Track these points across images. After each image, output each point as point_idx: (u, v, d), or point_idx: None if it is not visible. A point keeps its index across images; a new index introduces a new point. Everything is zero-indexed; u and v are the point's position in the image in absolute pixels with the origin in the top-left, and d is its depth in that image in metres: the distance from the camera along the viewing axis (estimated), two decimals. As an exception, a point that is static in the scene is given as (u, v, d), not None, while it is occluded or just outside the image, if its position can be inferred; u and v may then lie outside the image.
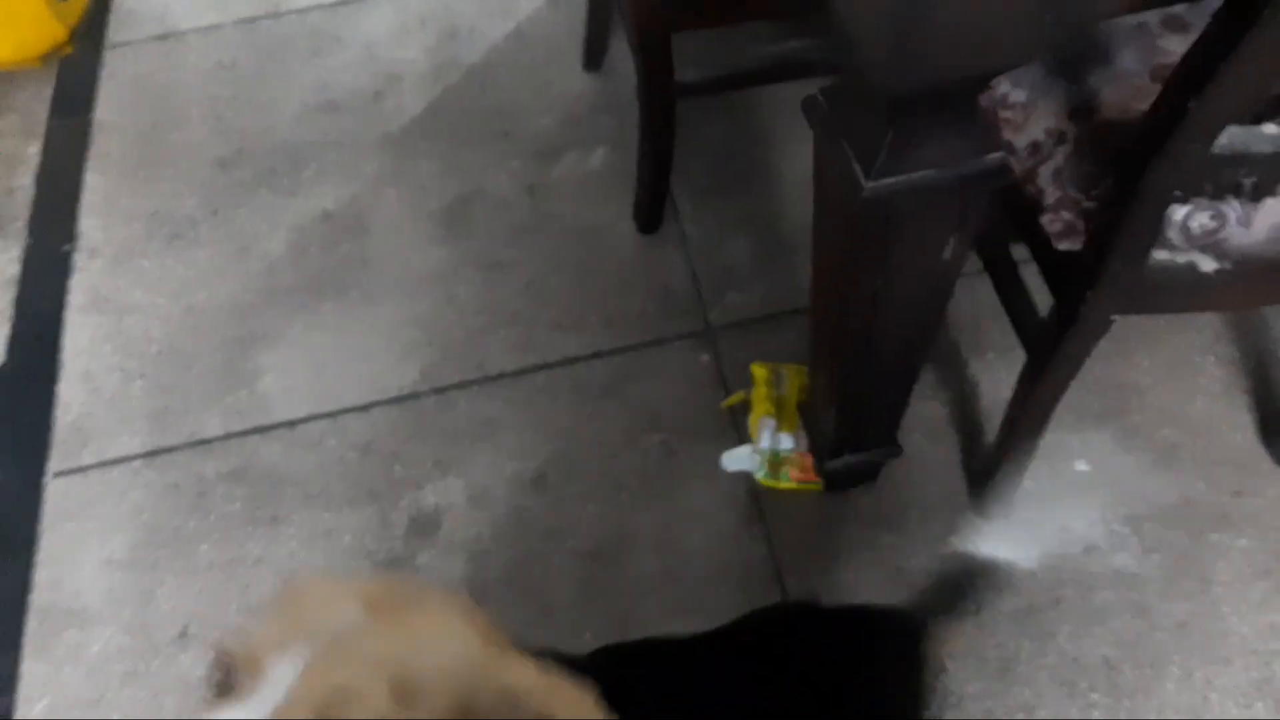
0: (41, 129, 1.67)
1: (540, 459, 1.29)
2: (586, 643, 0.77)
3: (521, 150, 1.60)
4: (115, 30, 1.80)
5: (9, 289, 1.49)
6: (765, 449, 1.26)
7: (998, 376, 1.30)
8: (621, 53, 1.68)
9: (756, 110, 1.60)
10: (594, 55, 1.68)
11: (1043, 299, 1.00)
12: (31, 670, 1.18)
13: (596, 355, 1.38)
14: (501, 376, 1.37)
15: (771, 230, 1.48)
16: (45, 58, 1.74)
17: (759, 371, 1.31)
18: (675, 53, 1.25)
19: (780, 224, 1.49)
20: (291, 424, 1.33)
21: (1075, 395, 1.08)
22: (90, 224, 1.55)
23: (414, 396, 1.35)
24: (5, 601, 1.23)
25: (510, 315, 1.42)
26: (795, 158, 1.54)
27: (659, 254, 1.47)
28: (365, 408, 1.34)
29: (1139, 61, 0.96)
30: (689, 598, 1.18)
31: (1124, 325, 0.95)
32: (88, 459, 1.32)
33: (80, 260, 1.51)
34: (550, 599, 1.19)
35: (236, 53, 1.75)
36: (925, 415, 1.29)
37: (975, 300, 1.15)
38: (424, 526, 1.25)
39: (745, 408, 1.30)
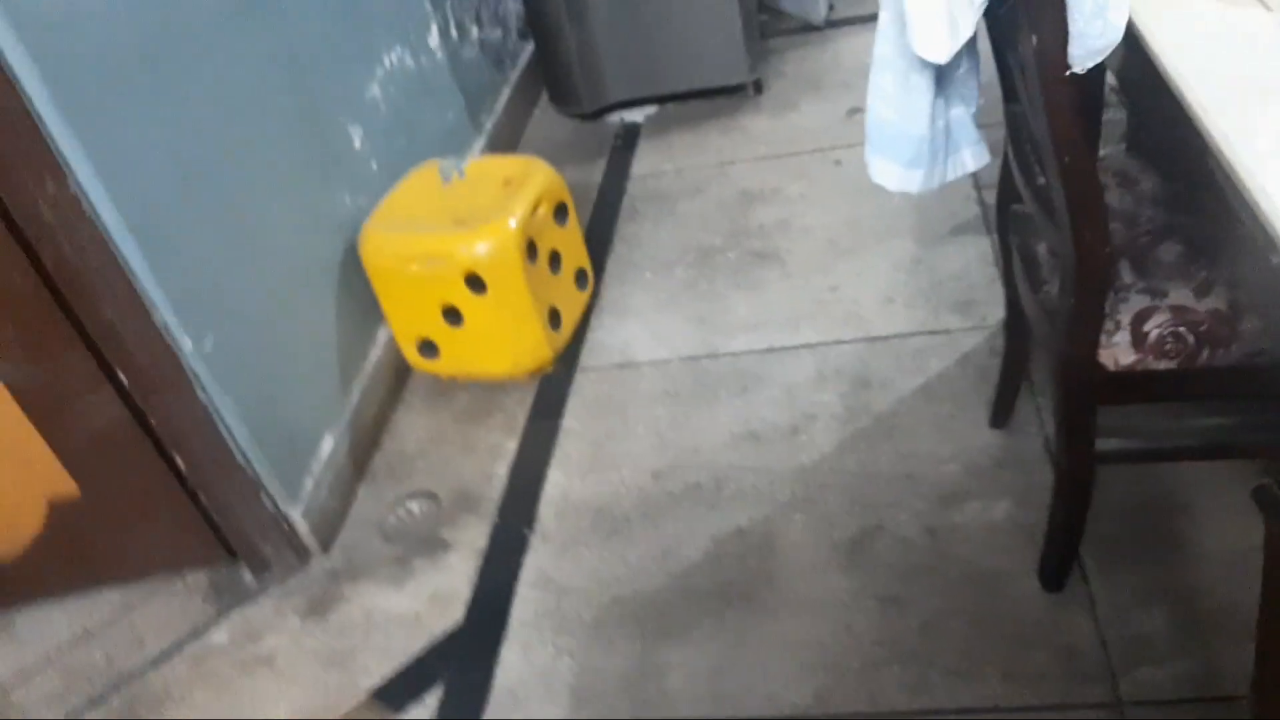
0: (520, 429, 2.06)
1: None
2: None
3: (924, 494, 1.69)
4: (587, 356, 2.20)
5: (477, 559, 1.80)
6: None
7: None
8: (1028, 412, 1.76)
9: (1175, 475, 1.59)
10: (1001, 414, 1.78)
11: None
12: None
13: (995, 710, 1.36)
14: (893, 715, 1.39)
15: (1191, 605, 1.42)
16: (533, 374, 2.16)
17: (1181, 760, 1.22)
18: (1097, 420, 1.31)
19: (1201, 600, 1.42)
20: (690, 723, 1.44)
21: None
22: (547, 512, 1.85)
23: (806, 719, 1.41)
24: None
25: (905, 653, 1.46)
26: (1218, 531, 1.49)
27: (1063, 614, 1.45)
28: (759, 720, 1.42)
29: None
30: None
31: None
32: (516, 720, 1.51)
33: (535, 542, 1.80)
34: None
35: (679, 383, 2.07)
36: None
37: None
38: None
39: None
